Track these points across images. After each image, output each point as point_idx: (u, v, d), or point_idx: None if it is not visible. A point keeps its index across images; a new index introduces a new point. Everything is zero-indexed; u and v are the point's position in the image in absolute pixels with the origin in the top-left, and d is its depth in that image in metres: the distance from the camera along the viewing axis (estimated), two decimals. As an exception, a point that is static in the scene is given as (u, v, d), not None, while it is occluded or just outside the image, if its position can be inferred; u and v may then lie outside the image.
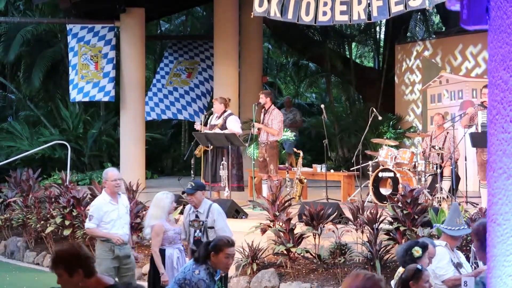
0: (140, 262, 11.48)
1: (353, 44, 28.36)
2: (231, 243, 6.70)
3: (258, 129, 14.34)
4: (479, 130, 12.58)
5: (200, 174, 14.42)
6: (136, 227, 12.63)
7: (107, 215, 9.05)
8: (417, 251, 6.38)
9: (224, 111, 14.25)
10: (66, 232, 13.26)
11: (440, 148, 13.86)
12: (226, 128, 13.98)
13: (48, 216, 13.85)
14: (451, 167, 13.47)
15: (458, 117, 14.35)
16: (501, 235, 3.27)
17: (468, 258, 8.81)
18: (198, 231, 8.73)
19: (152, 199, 9.24)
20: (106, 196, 9.12)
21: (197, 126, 14.65)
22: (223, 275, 6.98)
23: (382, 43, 27.49)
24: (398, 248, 6.74)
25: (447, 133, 14.08)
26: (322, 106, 15.47)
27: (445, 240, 7.51)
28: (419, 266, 5.80)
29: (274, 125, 14.22)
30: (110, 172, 9.27)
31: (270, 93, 15.13)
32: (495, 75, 3.31)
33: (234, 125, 14.09)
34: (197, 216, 8.89)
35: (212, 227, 8.80)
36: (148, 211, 9.53)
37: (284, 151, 18.47)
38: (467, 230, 7.73)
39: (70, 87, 19.55)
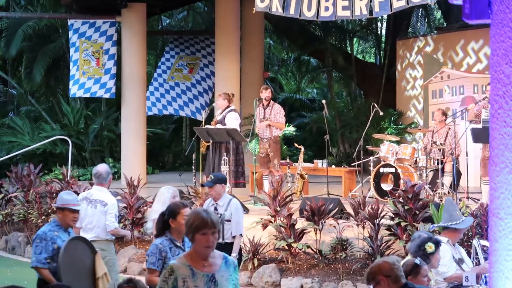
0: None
1: (355, 40, 28.37)
2: (185, 205, 6.71)
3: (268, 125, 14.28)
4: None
5: (202, 169, 14.41)
6: (137, 223, 12.65)
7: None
8: (430, 247, 6.39)
9: (228, 107, 14.16)
10: (67, 227, 13.25)
11: (441, 144, 13.85)
12: (225, 124, 13.93)
13: (49, 211, 13.84)
14: (452, 163, 13.46)
15: (459, 112, 14.34)
16: (503, 229, 3.27)
17: (469, 254, 8.81)
18: None
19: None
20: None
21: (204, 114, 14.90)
22: None
23: (383, 39, 27.50)
24: (410, 243, 6.72)
25: (449, 128, 14.05)
26: (324, 101, 15.48)
27: (446, 236, 7.48)
28: (417, 261, 5.79)
29: (280, 119, 14.23)
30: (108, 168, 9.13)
31: (271, 88, 15.19)
32: (497, 69, 3.31)
33: (232, 122, 13.90)
34: (215, 209, 8.85)
35: (229, 220, 8.83)
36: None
37: (285, 146, 18.47)
38: (469, 220, 7.74)
39: (71, 82, 19.57)
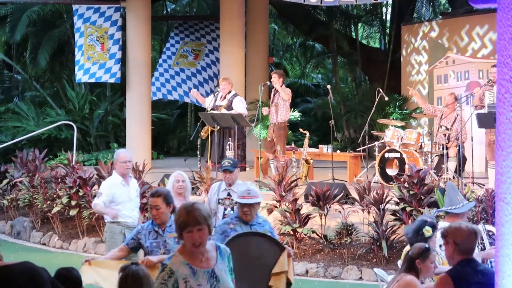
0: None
1: (360, 25, 28.30)
2: (151, 194, 6.84)
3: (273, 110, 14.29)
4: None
5: (206, 154, 14.41)
6: (142, 208, 12.63)
7: (117, 196, 8.91)
8: (428, 231, 6.36)
9: (229, 92, 14.24)
10: (72, 212, 13.28)
11: (447, 129, 13.80)
12: (232, 109, 13.97)
13: (55, 196, 13.87)
14: (457, 148, 13.44)
15: (465, 97, 14.29)
16: (509, 213, 3.27)
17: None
18: (229, 209, 8.41)
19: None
20: (118, 177, 8.97)
21: (193, 93, 14.99)
22: None
23: (388, 24, 27.42)
24: (407, 228, 6.68)
25: (457, 114, 13.93)
26: (328, 86, 15.45)
27: (449, 221, 7.42)
28: (427, 245, 5.78)
29: (285, 98, 14.19)
30: (121, 153, 9.08)
31: (283, 73, 14.95)
32: (503, 54, 3.30)
33: (239, 106, 14.07)
34: (229, 194, 8.51)
35: None
36: None
37: (290, 131, 18.46)
38: (471, 203, 7.71)
39: (76, 68, 19.56)
